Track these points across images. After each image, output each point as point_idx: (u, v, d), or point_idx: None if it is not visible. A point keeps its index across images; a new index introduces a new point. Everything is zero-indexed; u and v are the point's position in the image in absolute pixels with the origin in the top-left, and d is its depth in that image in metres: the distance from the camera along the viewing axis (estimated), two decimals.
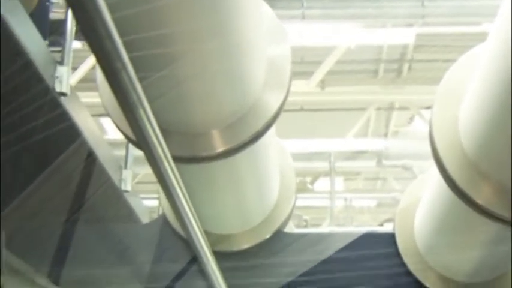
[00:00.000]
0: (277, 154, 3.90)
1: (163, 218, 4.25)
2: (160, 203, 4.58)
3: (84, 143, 3.49)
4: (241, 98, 2.82)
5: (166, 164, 2.25)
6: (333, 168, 7.85)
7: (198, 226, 2.74)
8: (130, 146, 4.55)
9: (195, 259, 3.93)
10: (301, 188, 8.45)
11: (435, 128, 3.10)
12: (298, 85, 7.68)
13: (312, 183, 10.22)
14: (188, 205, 2.63)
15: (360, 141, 9.05)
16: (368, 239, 4.57)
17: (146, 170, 7.68)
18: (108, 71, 1.66)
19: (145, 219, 4.65)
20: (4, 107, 2.71)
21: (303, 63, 8.09)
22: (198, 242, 2.82)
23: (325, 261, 4.48)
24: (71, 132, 3.34)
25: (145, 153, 2.17)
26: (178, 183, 2.42)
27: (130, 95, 1.76)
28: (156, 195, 6.04)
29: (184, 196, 2.53)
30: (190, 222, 2.67)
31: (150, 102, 1.93)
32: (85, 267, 3.84)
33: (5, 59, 2.63)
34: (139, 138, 2.07)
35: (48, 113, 3.04)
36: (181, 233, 4.02)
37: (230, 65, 2.50)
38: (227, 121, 2.85)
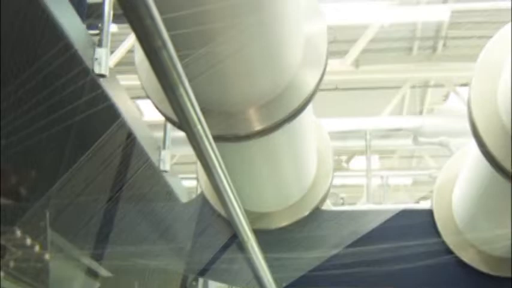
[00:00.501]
0: (314, 132, 3.88)
1: (202, 197, 4.26)
2: (198, 183, 4.59)
3: (123, 124, 3.51)
4: (278, 75, 2.81)
5: (206, 143, 2.26)
6: (369, 146, 7.81)
7: (238, 204, 2.75)
8: (168, 127, 4.57)
9: (234, 236, 3.94)
10: (337, 167, 8.42)
11: (473, 103, 3.07)
12: (333, 64, 7.63)
13: (347, 161, 10.20)
14: (228, 183, 2.63)
15: (395, 119, 8.98)
16: (406, 216, 4.55)
17: (182, 152, 7.71)
18: (149, 49, 1.66)
19: (184, 198, 4.67)
20: (45, 89, 2.72)
21: (337, 42, 8.03)
22: (238, 219, 2.83)
23: (362, 238, 4.47)
24: (111, 113, 3.36)
25: (186, 132, 2.17)
26: (218, 162, 2.43)
27: (171, 73, 1.76)
28: (193, 175, 6.05)
29: (224, 175, 2.54)
30: (231, 200, 2.67)
31: (189, 81, 1.93)
32: (127, 245, 3.87)
33: (46, 41, 2.65)
34: (180, 117, 2.07)
35: (88, 94, 3.06)
36: (220, 211, 4.03)
37: (268, 41, 2.49)
38: (264, 99, 2.84)
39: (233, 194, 2.65)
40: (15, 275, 2.23)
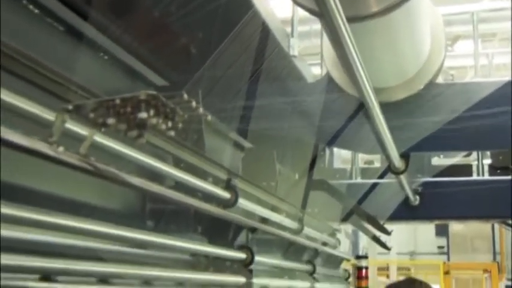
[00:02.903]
0: (428, 11, 3.73)
1: (328, 77, 4.22)
2: (322, 65, 4.55)
3: (256, 14, 3.48)
4: None
5: (340, 21, 2.21)
6: (476, 28, 7.45)
7: (364, 73, 2.70)
8: (295, 18, 4.55)
9: (358, 109, 3.91)
10: None
11: None
12: None
13: (451, 45, 9.83)
14: (358, 59, 2.59)
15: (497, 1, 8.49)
16: None
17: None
18: None
19: (310, 79, 4.66)
20: None
21: None
22: (364, 88, 2.78)
23: (472, 107, 4.36)
24: (245, 4, 3.34)
25: (320, 15, 2.13)
26: (350, 40, 2.38)
27: None
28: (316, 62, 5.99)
29: (355, 51, 2.50)
30: (359, 70, 2.62)
31: None
32: (265, 121, 3.90)
33: None
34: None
35: None
36: (344, 87, 3.99)
37: None
38: None
39: (361, 64, 2.60)
40: (177, 139, 2.28)
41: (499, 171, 6.71)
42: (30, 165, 1.81)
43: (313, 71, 6.95)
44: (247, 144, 3.92)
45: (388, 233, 5.70)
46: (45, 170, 1.87)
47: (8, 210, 1.41)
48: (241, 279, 2.73)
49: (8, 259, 1.41)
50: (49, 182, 1.91)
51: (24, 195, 1.53)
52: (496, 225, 14.18)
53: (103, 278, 1.77)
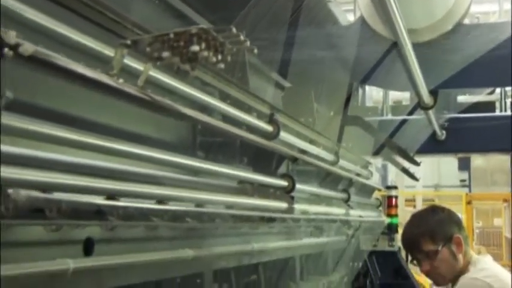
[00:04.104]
0: None
1: (361, 20, 4.14)
2: (356, 8, 4.46)
3: None
4: None
5: None
6: None
7: (399, 13, 2.62)
8: None
9: (389, 49, 3.83)
10: None
11: None
12: None
13: None
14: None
15: None
16: None
17: None
18: None
19: (344, 22, 4.57)
20: None
21: None
22: (398, 26, 2.70)
23: (498, 47, 4.25)
24: None
25: None
26: None
27: None
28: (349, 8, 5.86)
29: None
30: (394, 14, 2.55)
31: None
32: (303, 63, 3.86)
33: None
34: None
35: None
36: (377, 29, 3.91)
37: None
38: None
39: (395, 4, 2.53)
40: (225, 76, 2.26)
41: None
42: (93, 99, 1.82)
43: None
44: (286, 83, 3.88)
45: (417, 163, 5.67)
46: (105, 104, 1.88)
47: (78, 137, 1.42)
48: (284, 205, 2.73)
49: (81, 180, 1.42)
50: (110, 115, 1.91)
51: (88, 127, 1.53)
52: None
53: (161, 199, 1.78)
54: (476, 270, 2.96)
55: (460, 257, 2.98)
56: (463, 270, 2.99)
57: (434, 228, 2.98)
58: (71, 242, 1.63)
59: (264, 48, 3.46)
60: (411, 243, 3.13)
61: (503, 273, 3.03)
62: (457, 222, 3.09)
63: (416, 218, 3.12)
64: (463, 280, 2.92)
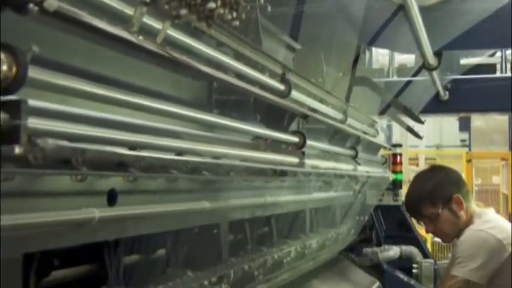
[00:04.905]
0: None
1: None
2: None
3: None
4: None
5: None
6: None
7: None
8: None
9: (395, 12, 3.76)
10: None
11: None
12: None
13: None
14: None
15: None
16: None
17: None
18: None
19: None
20: None
21: None
22: None
23: (499, 10, 4.17)
24: None
25: None
26: None
27: None
28: None
29: None
30: None
31: None
32: (313, 26, 3.80)
33: None
34: None
35: None
36: None
37: None
38: None
39: None
40: (239, 35, 2.22)
41: None
42: (114, 58, 1.80)
43: None
44: (297, 45, 3.84)
45: (421, 121, 5.65)
46: (126, 63, 1.87)
47: (103, 91, 1.40)
48: (295, 160, 2.72)
49: (104, 132, 1.41)
50: (131, 74, 1.90)
51: (108, 83, 1.51)
52: None
53: (179, 152, 1.78)
54: (480, 222, 2.96)
55: (462, 213, 2.98)
56: (468, 223, 2.99)
57: (432, 192, 2.98)
58: (95, 193, 1.63)
59: (276, 10, 3.42)
60: (413, 209, 3.15)
61: (506, 224, 3.04)
62: (456, 181, 3.08)
63: (415, 183, 3.13)
64: (468, 232, 2.93)
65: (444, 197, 2.98)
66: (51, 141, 1.15)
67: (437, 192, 2.99)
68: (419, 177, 3.18)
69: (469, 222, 3.00)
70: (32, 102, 1.18)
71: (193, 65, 1.72)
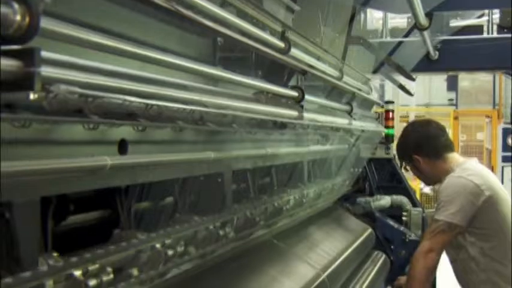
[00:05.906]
0: None
1: None
2: None
3: None
4: None
5: None
6: None
7: None
8: None
9: None
10: None
11: None
12: None
13: None
14: None
15: None
16: None
17: None
18: None
19: None
20: None
21: None
22: None
23: None
24: None
25: None
26: None
27: None
28: None
29: None
30: None
31: None
32: None
33: None
34: None
35: None
36: None
37: None
38: None
39: None
40: None
41: (505, 30, 6.44)
42: (122, 15, 1.76)
43: None
44: (296, 7, 3.76)
45: (413, 79, 5.62)
46: (134, 20, 1.83)
47: (112, 43, 1.37)
48: (294, 113, 2.70)
49: (115, 82, 1.39)
50: (139, 31, 1.86)
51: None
52: (497, 80, 14.01)
53: (184, 102, 1.76)
54: (460, 170, 3.02)
55: (439, 162, 3.09)
56: (449, 171, 3.04)
57: (415, 142, 3.16)
58: (107, 143, 1.61)
59: None
60: (401, 155, 3.36)
61: (485, 171, 3.08)
62: (435, 135, 3.17)
63: (403, 134, 3.33)
64: (449, 178, 2.99)
65: (424, 147, 3.16)
66: (63, 87, 1.12)
67: (418, 143, 3.17)
68: (406, 131, 3.33)
69: (450, 170, 3.08)
70: (45, 54, 1.15)
71: (199, 19, 1.68)
